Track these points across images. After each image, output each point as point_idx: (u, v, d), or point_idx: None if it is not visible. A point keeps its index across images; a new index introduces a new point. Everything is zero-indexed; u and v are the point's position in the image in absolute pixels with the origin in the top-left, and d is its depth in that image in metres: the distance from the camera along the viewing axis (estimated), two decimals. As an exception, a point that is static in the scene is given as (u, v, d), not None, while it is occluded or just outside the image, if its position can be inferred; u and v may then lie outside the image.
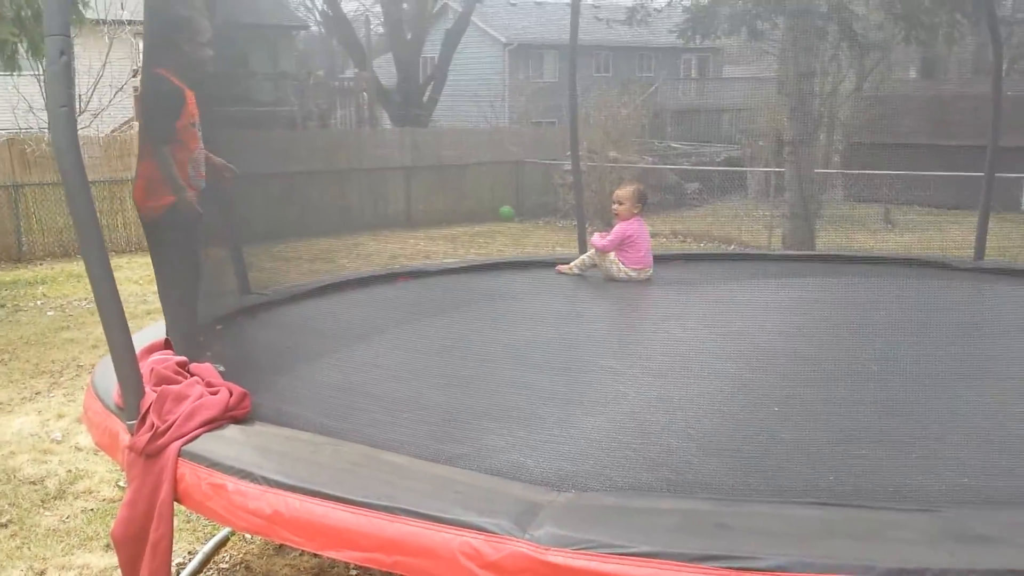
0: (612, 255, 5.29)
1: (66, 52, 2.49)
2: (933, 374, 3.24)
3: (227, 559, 3.77)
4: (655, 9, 15.44)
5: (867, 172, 14.14)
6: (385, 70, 22.58)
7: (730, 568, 1.79)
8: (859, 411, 2.91)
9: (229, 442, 2.55)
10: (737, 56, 26.59)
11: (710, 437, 2.67)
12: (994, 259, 6.21)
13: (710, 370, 3.40)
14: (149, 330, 3.99)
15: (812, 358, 3.55)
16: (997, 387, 3.22)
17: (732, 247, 12.33)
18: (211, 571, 3.67)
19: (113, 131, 17.05)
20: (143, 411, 2.63)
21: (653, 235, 13.32)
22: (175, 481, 2.48)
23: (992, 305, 4.72)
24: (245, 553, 3.82)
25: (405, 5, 21.51)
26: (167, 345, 3.24)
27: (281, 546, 3.83)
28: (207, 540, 3.90)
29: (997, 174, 6.37)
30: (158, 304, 9.45)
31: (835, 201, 15.11)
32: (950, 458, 2.49)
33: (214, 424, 2.64)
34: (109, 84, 16.77)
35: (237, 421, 2.72)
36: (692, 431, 2.72)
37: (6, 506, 4.27)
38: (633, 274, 5.27)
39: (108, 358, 3.02)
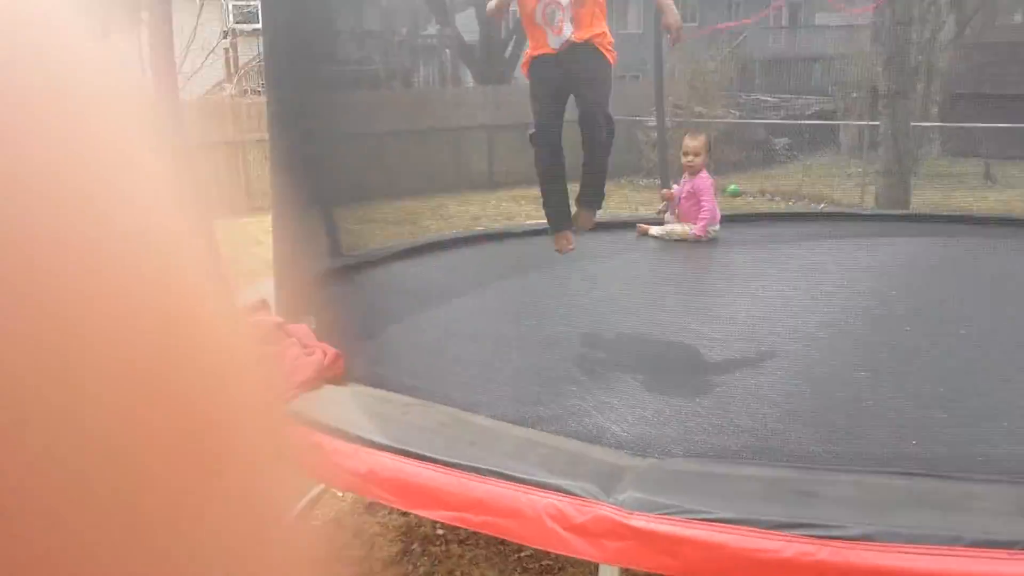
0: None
1: None
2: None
3: (320, 516, 3.93)
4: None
5: (967, 125, 13.55)
6: (467, 26, 22.49)
7: (814, 536, 1.81)
8: (948, 377, 2.86)
9: (325, 402, 2.66)
10: (830, 3, 25.60)
11: (794, 403, 2.67)
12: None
13: (796, 334, 3.37)
14: (248, 291, 4.16)
15: (902, 322, 3.48)
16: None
17: (823, 206, 12.03)
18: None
19: (206, 93, 17.52)
20: (243, 372, 2.76)
21: (742, 195, 13.12)
22: (275, 439, 2.60)
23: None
24: (337, 511, 3.97)
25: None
26: (263, 306, 3.37)
27: (371, 504, 3.98)
28: (301, 499, 4.06)
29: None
30: (251, 265, 9.72)
31: (932, 157, 14.55)
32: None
33: (310, 384, 2.75)
34: (201, 46, 17.21)
35: (331, 381, 2.83)
36: (776, 397, 2.72)
37: None
38: (712, 231, 5.21)
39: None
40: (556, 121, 3.50)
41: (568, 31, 3.37)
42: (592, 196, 3.67)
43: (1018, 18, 21.48)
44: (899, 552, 1.77)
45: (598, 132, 3.45)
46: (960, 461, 2.23)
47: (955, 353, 3.11)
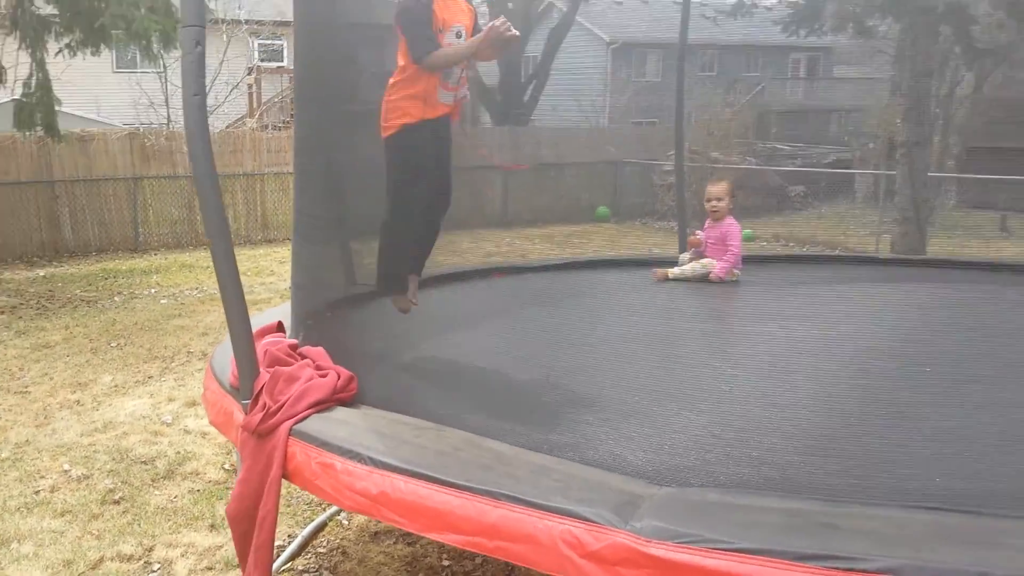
0: (707, 258, 5.21)
1: (200, 42, 2.60)
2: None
3: (325, 543, 3.89)
4: (764, 6, 15.05)
5: (984, 177, 13.54)
6: (487, 69, 22.75)
7: (837, 568, 1.75)
8: (971, 415, 2.80)
9: (337, 423, 2.63)
10: (848, 56, 25.84)
11: (814, 437, 2.62)
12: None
13: (813, 371, 3.33)
14: (261, 317, 4.15)
15: (922, 361, 3.43)
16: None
17: (837, 252, 12.00)
18: (309, 554, 3.79)
19: (227, 127, 17.73)
20: (256, 391, 2.74)
21: (756, 239, 13.10)
22: (285, 459, 2.57)
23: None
24: (342, 539, 3.92)
25: (510, 4, 21.62)
26: (279, 328, 3.35)
27: (376, 533, 3.93)
28: (306, 525, 4.02)
29: None
30: (264, 295, 9.81)
31: (948, 207, 14.52)
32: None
33: (322, 405, 2.72)
34: (225, 81, 17.49)
35: (344, 403, 2.80)
36: (795, 431, 2.67)
37: (119, 483, 4.49)
38: (735, 274, 5.18)
39: (226, 342, 3.16)
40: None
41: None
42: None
43: (1035, 74, 21.53)
44: (925, 587, 1.71)
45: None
46: (986, 498, 2.17)
47: (976, 392, 3.05)
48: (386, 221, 3.25)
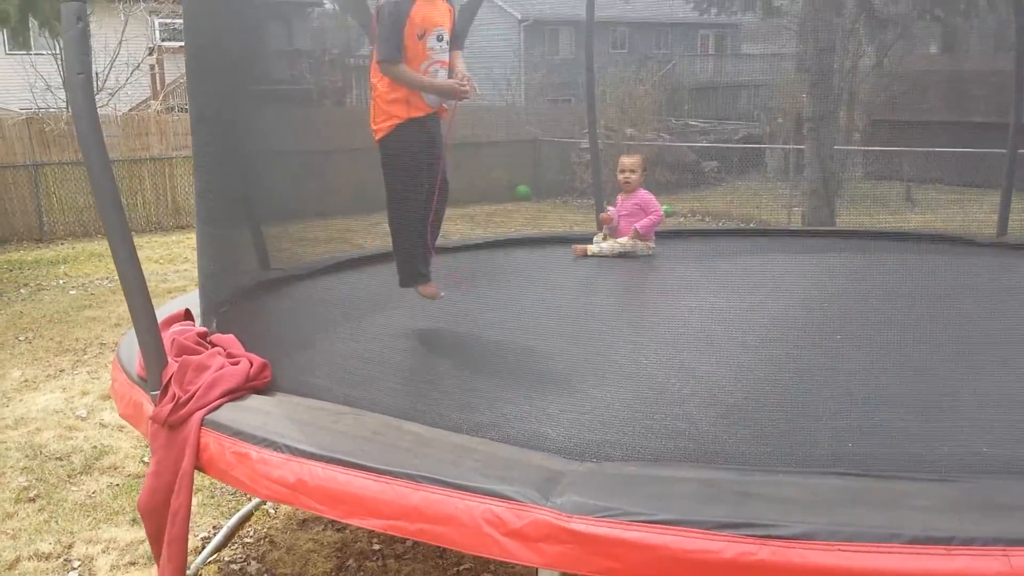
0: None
1: (82, 18, 2.48)
2: (955, 344, 3.20)
3: (252, 533, 3.80)
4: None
5: (888, 149, 13.98)
6: (401, 48, 22.35)
7: (755, 536, 1.78)
8: (878, 381, 2.89)
9: (251, 411, 2.57)
10: (755, 32, 26.32)
11: (729, 407, 2.67)
12: (1018, 236, 6.12)
13: (729, 342, 3.39)
14: (170, 304, 4.02)
15: (831, 329, 3.53)
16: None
17: (751, 225, 12.25)
18: (236, 545, 3.70)
19: (131, 109, 17.11)
20: (165, 382, 2.65)
21: (672, 214, 13.28)
22: (197, 450, 2.49)
23: (1014, 277, 4.68)
24: (269, 528, 3.85)
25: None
26: (187, 316, 3.25)
27: (304, 520, 3.86)
28: (232, 515, 3.93)
29: (1021, 150, 6.29)
30: (178, 283, 9.53)
31: (855, 179, 14.95)
32: (970, 428, 2.47)
33: (235, 394, 2.65)
34: (125, 62, 16.82)
35: (258, 391, 2.73)
36: (711, 401, 2.71)
37: (34, 481, 4.31)
38: (652, 246, 5.24)
39: (132, 331, 3.05)
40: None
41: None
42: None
43: (933, 49, 22.31)
44: (839, 550, 1.75)
45: None
46: (894, 461, 2.24)
47: (883, 359, 3.14)
48: (392, 219, 3.17)
